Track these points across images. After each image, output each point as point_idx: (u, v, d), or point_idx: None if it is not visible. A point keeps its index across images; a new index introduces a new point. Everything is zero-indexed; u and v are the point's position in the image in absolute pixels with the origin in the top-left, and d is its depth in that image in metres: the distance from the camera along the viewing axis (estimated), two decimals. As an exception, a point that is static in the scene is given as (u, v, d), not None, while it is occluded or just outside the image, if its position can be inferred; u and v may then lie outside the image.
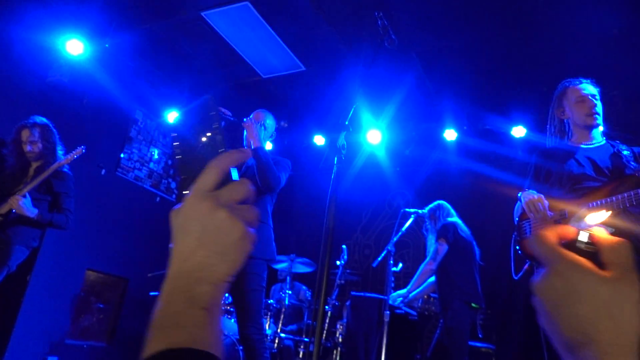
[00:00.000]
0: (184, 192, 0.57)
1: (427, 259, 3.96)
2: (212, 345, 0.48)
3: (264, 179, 2.85)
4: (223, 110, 2.97)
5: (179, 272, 0.52)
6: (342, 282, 4.62)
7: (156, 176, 5.93)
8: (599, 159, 2.27)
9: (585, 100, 2.39)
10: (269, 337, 4.09)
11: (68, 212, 3.41)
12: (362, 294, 4.50)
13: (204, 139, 0.59)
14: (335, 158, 2.06)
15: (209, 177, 0.55)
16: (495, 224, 5.23)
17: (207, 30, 4.64)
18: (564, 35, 4.18)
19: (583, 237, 0.52)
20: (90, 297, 5.20)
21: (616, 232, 2.03)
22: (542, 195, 2.24)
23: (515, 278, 2.52)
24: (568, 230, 0.53)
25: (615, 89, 4.41)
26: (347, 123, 2.08)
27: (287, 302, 4.26)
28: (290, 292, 4.39)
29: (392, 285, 3.89)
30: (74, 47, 4.57)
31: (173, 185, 6.10)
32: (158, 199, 5.93)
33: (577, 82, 2.48)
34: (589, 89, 2.43)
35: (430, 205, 4.17)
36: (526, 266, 2.38)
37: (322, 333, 4.29)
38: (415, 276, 4.08)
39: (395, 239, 3.89)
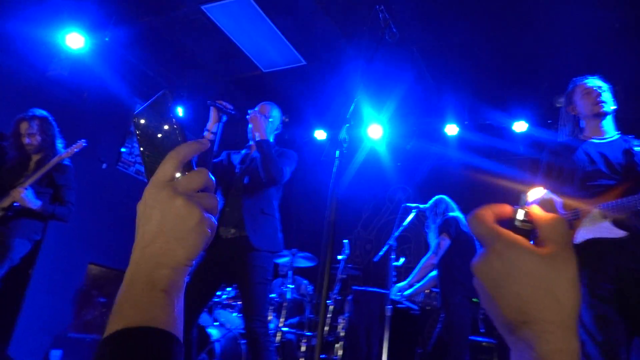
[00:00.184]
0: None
1: (429, 253, 3.96)
2: (169, 324, 0.50)
3: (267, 171, 2.84)
4: (224, 103, 2.96)
5: (141, 257, 0.55)
6: (344, 276, 4.62)
7: (157, 170, 5.93)
8: (611, 155, 2.25)
9: (591, 92, 2.40)
10: (271, 331, 4.10)
11: (70, 204, 3.43)
12: (363, 288, 4.51)
13: (162, 131, 0.61)
14: (337, 152, 2.05)
15: (167, 167, 0.57)
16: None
17: (208, 24, 4.62)
18: (565, 30, 4.16)
19: (520, 214, 0.51)
20: (93, 290, 5.22)
21: (631, 234, 2.03)
22: (553, 196, 2.23)
23: None
24: (504, 208, 0.52)
25: (617, 84, 4.39)
26: (348, 117, 2.07)
27: (288, 297, 4.27)
28: (292, 286, 4.40)
29: (394, 279, 3.90)
30: (74, 40, 4.56)
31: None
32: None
33: (584, 78, 2.49)
34: (594, 82, 2.44)
35: (432, 200, 4.16)
36: None
37: (324, 327, 4.29)
38: (416, 269, 4.08)
39: (396, 234, 3.89)
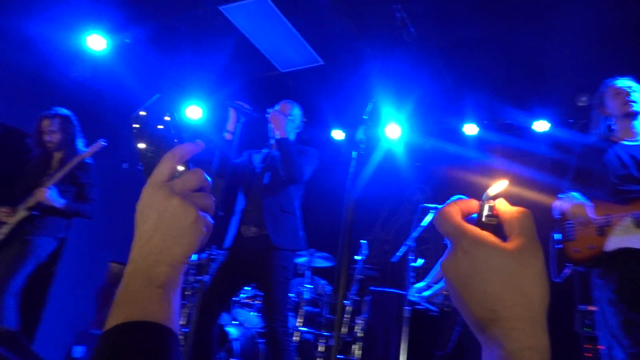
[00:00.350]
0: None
1: (448, 254, 3.92)
2: (166, 319, 0.52)
3: (287, 170, 2.84)
4: (243, 104, 2.98)
5: (139, 255, 0.57)
6: (362, 277, 4.61)
7: (177, 170, 5.99)
8: None
9: (620, 92, 2.39)
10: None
11: (93, 201, 3.51)
12: (381, 289, 4.49)
13: (158, 133, 0.63)
14: (354, 152, 2.04)
15: (163, 168, 0.59)
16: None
17: (225, 25, 4.65)
18: (589, 27, 4.07)
19: (486, 210, 0.50)
20: (114, 288, 5.28)
21: None
22: (585, 202, 2.21)
23: (556, 280, 2.45)
24: (471, 203, 0.52)
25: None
26: (365, 117, 2.06)
27: (306, 296, 4.28)
28: (310, 286, 4.40)
29: (413, 280, 3.87)
30: (96, 42, 4.63)
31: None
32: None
33: (614, 79, 2.47)
34: (624, 82, 2.42)
35: (450, 201, 4.12)
36: (568, 270, 2.33)
37: (341, 327, 4.29)
38: (435, 271, 4.05)
39: (415, 235, 3.86)
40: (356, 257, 4.61)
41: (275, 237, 2.82)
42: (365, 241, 4.74)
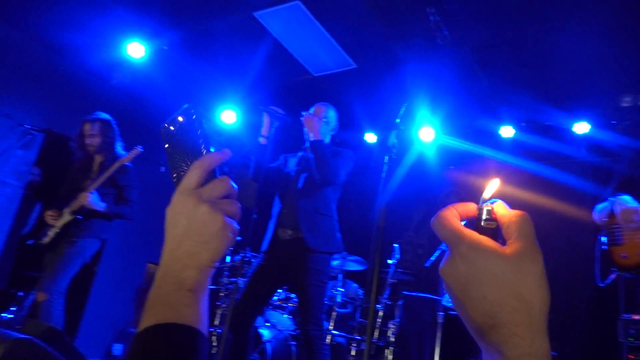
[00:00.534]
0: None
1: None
2: (195, 321, 0.55)
3: (320, 172, 2.84)
4: (276, 108, 3.02)
5: (170, 259, 0.59)
6: (394, 281, 4.57)
7: (212, 173, 6.11)
8: None
9: None
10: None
11: (133, 203, 3.65)
12: (414, 293, 4.44)
13: (187, 142, 0.66)
14: (386, 157, 2.04)
15: (192, 176, 0.61)
16: (555, 226, 5.01)
17: (259, 30, 4.72)
18: (633, 24, 3.92)
19: (484, 214, 0.49)
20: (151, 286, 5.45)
21: None
22: (638, 207, 2.13)
23: (601, 285, 2.37)
24: (468, 208, 0.51)
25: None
26: (398, 121, 2.05)
27: (338, 300, 4.28)
28: (342, 289, 4.40)
29: (446, 285, 3.81)
30: (135, 50, 4.79)
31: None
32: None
33: None
34: None
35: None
36: (613, 276, 2.24)
37: (373, 331, 4.27)
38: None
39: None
40: (389, 261, 4.58)
41: (310, 239, 2.82)
42: (397, 245, 4.71)
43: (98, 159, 3.67)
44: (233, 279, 4.44)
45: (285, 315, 4.40)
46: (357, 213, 6.76)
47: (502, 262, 0.45)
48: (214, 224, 0.59)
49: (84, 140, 3.62)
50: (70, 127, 3.92)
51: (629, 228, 2.16)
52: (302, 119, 3.02)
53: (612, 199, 2.31)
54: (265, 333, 4.02)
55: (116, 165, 3.51)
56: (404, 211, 6.55)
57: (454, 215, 0.51)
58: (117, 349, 4.98)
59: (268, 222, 3.06)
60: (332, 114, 3.21)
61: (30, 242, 3.53)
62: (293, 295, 4.45)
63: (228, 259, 4.77)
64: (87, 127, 3.62)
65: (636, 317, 3.35)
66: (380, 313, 4.37)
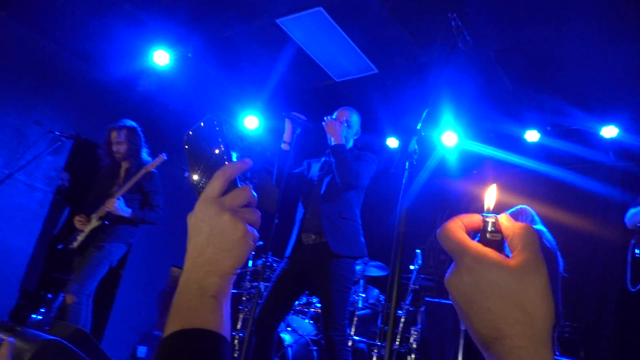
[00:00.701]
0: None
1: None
2: (219, 326, 0.57)
3: (342, 176, 2.84)
4: (298, 115, 3.04)
5: (193, 266, 0.61)
6: (416, 287, 4.53)
7: (235, 178, 6.17)
8: None
9: None
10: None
11: (158, 208, 3.72)
12: (437, 300, 4.40)
13: (209, 152, 0.67)
14: (407, 163, 2.03)
15: (215, 185, 0.63)
16: (581, 232, 4.90)
17: (282, 37, 4.77)
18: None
19: (489, 226, 0.49)
20: (175, 291, 5.53)
21: None
22: None
23: (632, 290, 2.30)
24: (473, 219, 0.51)
25: None
26: (418, 127, 2.05)
27: (360, 305, 4.27)
28: (363, 295, 4.39)
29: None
30: (160, 57, 4.89)
31: (251, 187, 6.31)
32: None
33: None
34: None
35: (512, 210, 3.97)
36: None
37: (393, 337, 4.24)
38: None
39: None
40: (411, 267, 4.54)
41: (334, 244, 2.81)
42: (419, 250, 4.67)
43: (125, 165, 3.76)
44: (255, 284, 4.47)
45: (307, 320, 4.40)
46: (379, 218, 6.74)
47: (505, 274, 0.45)
48: (236, 232, 0.61)
49: (111, 148, 3.72)
50: (98, 134, 4.03)
51: None
52: (323, 123, 3.03)
53: None
54: (287, 338, 4.03)
55: (142, 172, 3.59)
56: (427, 216, 6.49)
57: (459, 226, 0.51)
58: (142, 351, 5.07)
59: (291, 228, 3.07)
60: (355, 118, 3.21)
61: (60, 246, 3.64)
62: (315, 300, 4.46)
63: (250, 263, 4.81)
64: (114, 135, 3.72)
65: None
66: (402, 319, 4.34)
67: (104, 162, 3.80)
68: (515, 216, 3.91)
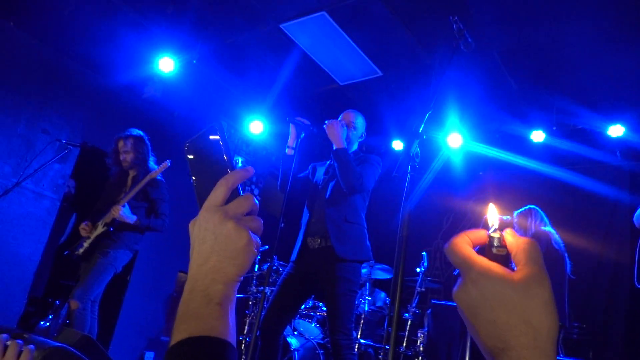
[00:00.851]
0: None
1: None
2: (225, 333, 0.58)
3: (345, 179, 2.83)
4: (302, 119, 3.05)
5: (197, 274, 0.61)
6: (423, 289, 4.52)
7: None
8: None
9: None
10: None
11: (164, 216, 3.74)
12: (444, 302, 4.38)
13: (212, 160, 0.67)
14: (409, 166, 2.02)
15: (218, 193, 0.64)
16: (589, 233, 4.87)
17: (286, 42, 4.79)
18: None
19: (495, 241, 0.51)
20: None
21: None
22: None
23: (638, 287, 2.30)
24: (478, 234, 0.53)
25: None
26: (420, 131, 2.04)
27: (366, 309, 4.26)
28: (369, 298, 4.38)
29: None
30: (166, 64, 4.93)
31: (256, 191, 6.34)
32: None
33: None
34: None
35: (520, 210, 3.95)
36: None
37: (400, 340, 4.22)
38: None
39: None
40: (417, 269, 4.53)
41: (339, 248, 2.81)
42: (425, 253, 4.66)
43: (132, 173, 3.80)
44: (261, 288, 4.48)
45: (313, 324, 4.40)
46: (385, 220, 6.72)
47: (510, 288, 0.47)
48: (240, 239, 0.61)
49: (118, 157, 3.75)
50: (105, 141, 4.06)
51: None
52: (324, 126, 3.03)
53: None
54: (293, 342, 4.03)
55: (146, 179, 3.62)
56: (433, 219, 6.48)
57: (465, 242, 0.53)
58: (149, 356, 5.08)
59: (296, 232, 3.08)
60: (360, 121, 3.21)
61: (66, 252, 3.67)
62: (321, 304, 4.45)
63: (256, 267, 4.82)
64: (121, 144, 3.75)
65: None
66: (409, 322, 4.33)
67: (112, 171, 3.84)
68: (525, 216, 3.89)
